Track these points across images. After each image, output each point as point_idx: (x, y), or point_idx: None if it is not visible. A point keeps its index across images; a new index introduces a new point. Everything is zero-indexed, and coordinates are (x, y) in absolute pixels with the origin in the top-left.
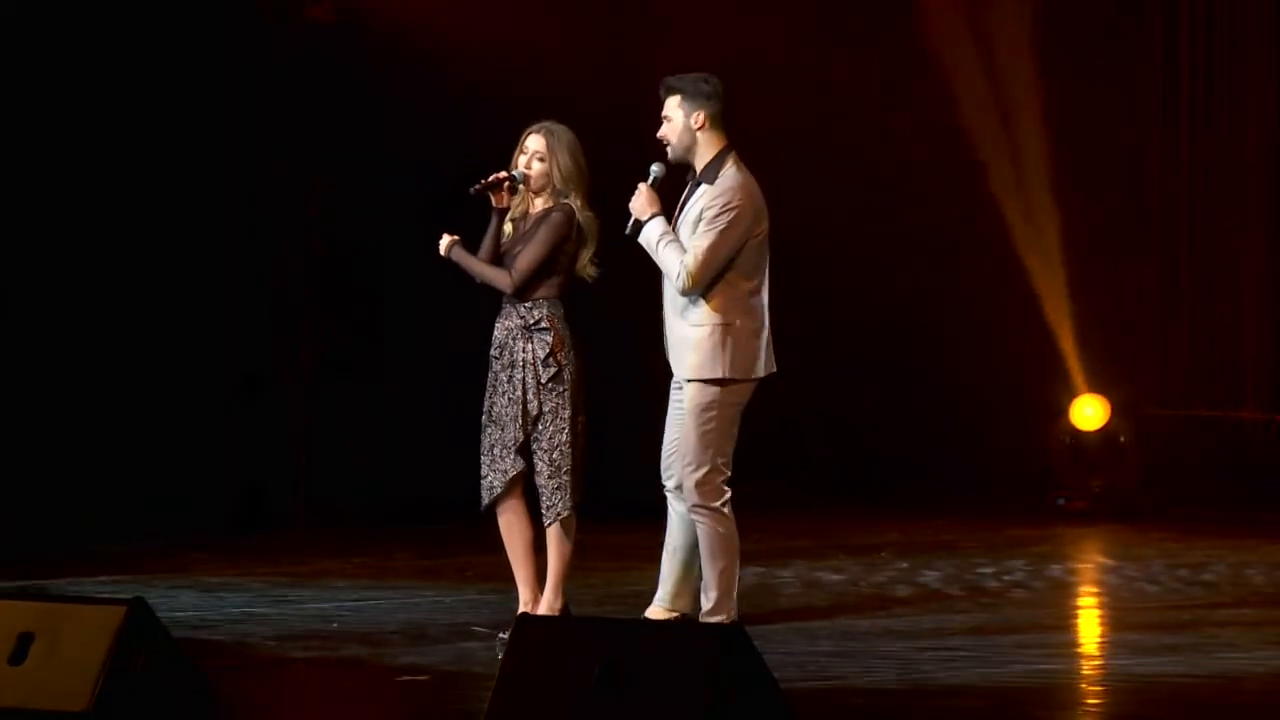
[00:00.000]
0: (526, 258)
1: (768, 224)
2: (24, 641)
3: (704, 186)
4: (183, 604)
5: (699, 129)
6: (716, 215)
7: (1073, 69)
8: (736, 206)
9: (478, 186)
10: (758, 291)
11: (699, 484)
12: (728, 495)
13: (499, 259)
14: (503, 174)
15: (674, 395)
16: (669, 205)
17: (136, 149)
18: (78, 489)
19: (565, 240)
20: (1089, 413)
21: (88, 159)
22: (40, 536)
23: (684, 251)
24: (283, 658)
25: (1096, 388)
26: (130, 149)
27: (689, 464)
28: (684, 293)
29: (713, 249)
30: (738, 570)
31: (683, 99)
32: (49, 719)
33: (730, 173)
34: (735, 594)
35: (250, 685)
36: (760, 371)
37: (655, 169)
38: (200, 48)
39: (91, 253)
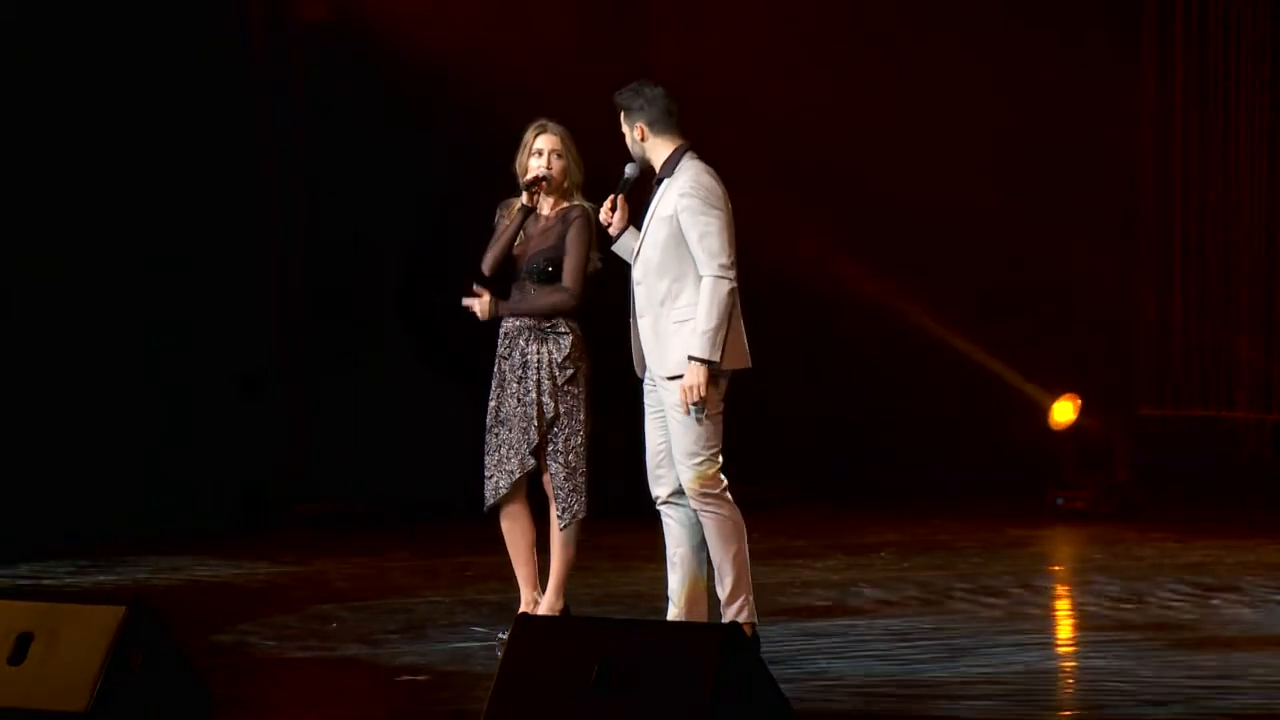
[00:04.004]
0: (573, 270)
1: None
2: (23, 642)
3: (665, 182)
4: (182, 604)
5: (642, 140)
6: (701, 199)
7: (1068, 68)
8: (708, 186)
9: (526, 183)
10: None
11: (702, 476)
12: (726, 483)
13: (511, 258)
14: (541, 173)
15: (649, 400)
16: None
17: (135, 149)
18: (78, 488)
19: (592, 239)
20: (1063, 412)
21: (88, 159)
22: (40, 536)
23: (701, 278)
24: (282, 658)
25: (1082, 387)
26: (129, 149)
27: (688, 458)
28: (733, 284)
29: (719, 230)
30: (748, 554)
31: (624, 116)
32: (48, 719)
33: (688, 163)
34: (750, 578)
35: (250, 685)
36: (747, 360)
37: (629, 170)
38: (199, 48)
39: (92, 253)
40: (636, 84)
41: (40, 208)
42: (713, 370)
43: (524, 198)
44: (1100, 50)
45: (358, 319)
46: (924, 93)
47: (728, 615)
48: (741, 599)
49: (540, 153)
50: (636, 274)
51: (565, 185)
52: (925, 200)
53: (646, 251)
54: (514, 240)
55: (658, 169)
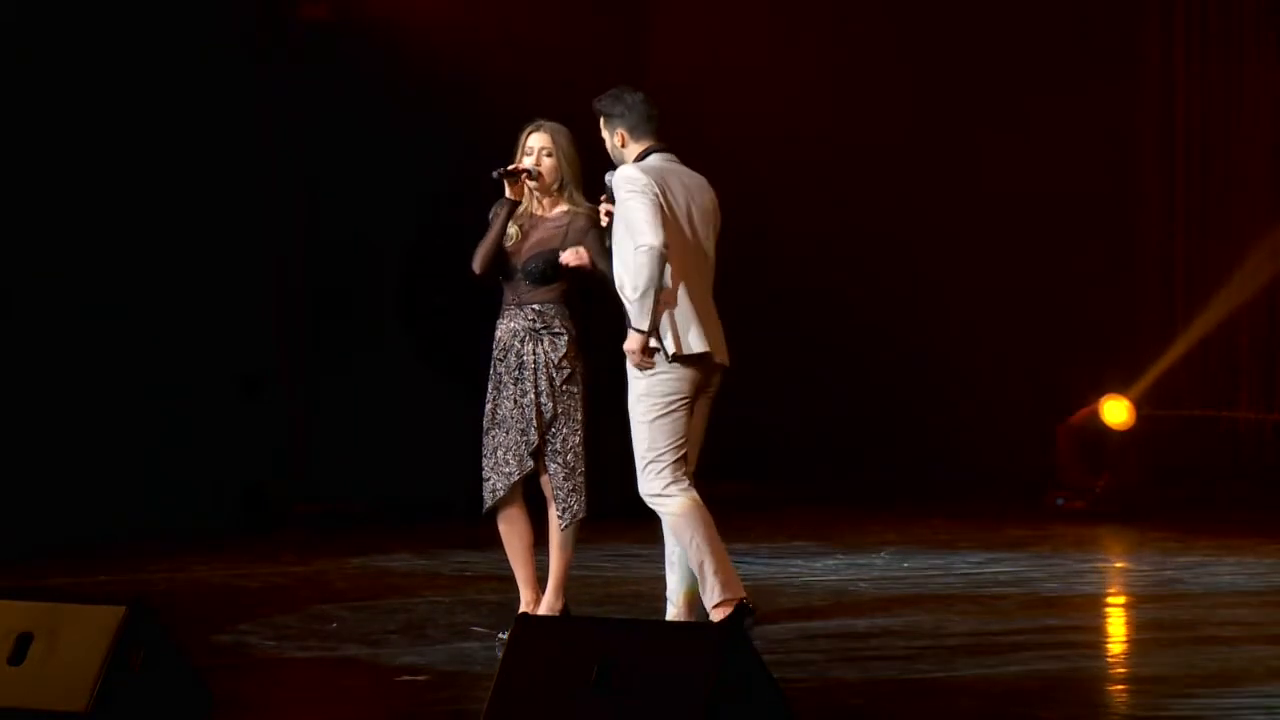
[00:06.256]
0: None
1: (673, 201)
2: (23, 642)
3: None
4: (183, 604)
5: (622, 146)
6: (622, 189)
7: (1069, 73)
8: (626, 175)
9: (503, 170)
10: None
11: (643, 477)
12: (671, 480)
13: (504, 257)
14: (525, 166)
15: None
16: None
17: (136, 149)
18: (78, 488)
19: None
20: (1117, 413)
21: (88, 159)
22: (39, 536)
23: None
24: (282, 658)
25: (1082, 388)
26: (130, 149)
27: (637, 459)
28: (661, 266)
29: (641, 210)
30: (715, 541)
31: (605, 122)
32: (48, 719)
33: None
34: (715, 560)
35: (250, 685)
36: (703, 346)
37: (610, 178)
38: (199, 48)
39: (92, 253)
40: (616, 90)
41: (40, 208)
42: (669, 359)
43: (507, 190)
44: (1100, 50)
45: (358, 319)
46: (923, 92)
47: (707, 602)
48: (709, 582)
49: (531, 150)
50: (616, 277)
51: (555, 185)
52: (925, 200)
53: (616, 253)
54: (502, 235)
55: None
